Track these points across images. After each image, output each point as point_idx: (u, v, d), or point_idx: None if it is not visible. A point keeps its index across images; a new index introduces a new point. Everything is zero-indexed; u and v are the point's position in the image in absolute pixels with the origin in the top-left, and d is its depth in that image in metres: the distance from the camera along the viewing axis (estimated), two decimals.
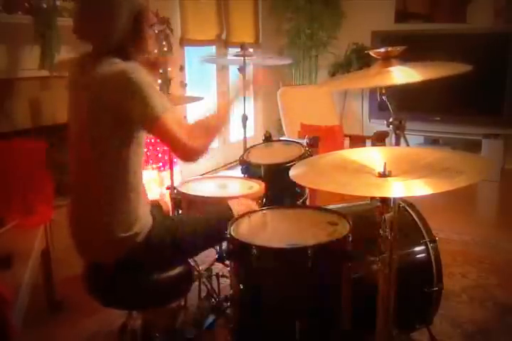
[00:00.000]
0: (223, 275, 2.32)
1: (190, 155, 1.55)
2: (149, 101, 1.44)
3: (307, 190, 2.48)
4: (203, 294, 2.33)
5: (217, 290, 2.26)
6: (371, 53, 1.62)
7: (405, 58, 1.61)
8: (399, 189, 1.24)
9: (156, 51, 1.88)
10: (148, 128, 1.51)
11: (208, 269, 2.26)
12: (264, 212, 1.84)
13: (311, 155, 2.35)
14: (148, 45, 1.65)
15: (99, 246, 1.58)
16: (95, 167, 1.54)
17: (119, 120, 1.48)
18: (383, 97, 1.59)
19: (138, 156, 1.57)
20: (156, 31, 3.53)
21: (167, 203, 2.16)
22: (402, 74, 1.53)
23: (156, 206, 1.92)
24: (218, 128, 1.69)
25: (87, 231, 1.61)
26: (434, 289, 1.87)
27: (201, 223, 1.75)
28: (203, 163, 4.71)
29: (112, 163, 1.53)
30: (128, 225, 1.55)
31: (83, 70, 1.56)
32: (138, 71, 1.47)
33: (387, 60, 1.58)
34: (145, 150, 1.62)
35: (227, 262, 1.96)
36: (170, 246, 1.64)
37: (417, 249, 1.91)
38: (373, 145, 2.71)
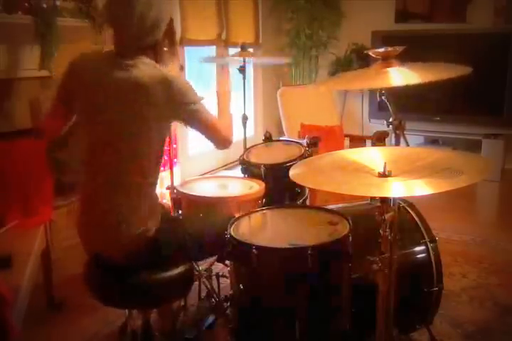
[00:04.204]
0: (223, 275, 2.32)
1: (227, 144, 1.77)
2: (190, 100, 1.60)
3: (307, 190, 2.48)
4: (203, 294, 2.33)
5: (217, 290, 2.26)
6: (370, 53, 1.62)
7: (405, 58, 1.61)
8: (399, 189, 1.24)
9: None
10: (190, 123, 1.67)
11: (208, 269, 2.26)
12: (264, 212, 1.84)
13: (311, 155, 2.35)
14: (176, 49, 1.79)
15: (109, 242, 1.60)
16: (124, 161, 1.58)
17: (162, 120, 1.59)
18: (383, 97, 1.59)
19: (163, 151, 1.66)
20: None
21: (167, 204, 2.17)
22: (401, 76, 1.53)
23: (163, 207, 1.93)
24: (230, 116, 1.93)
25: (101, 230, 1.61)
26: (434, 289, 1.87)
27: (204, 226, 1.78)
28: (203, 163, 4.71)
29: (144, 157, 1.59)
30: (143, 220, 1.58)
31: (108, 68, 1.58)
32: (177, 78, 1.60)
33: (386, 60, 1.58)
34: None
35: (227, 262, 1.96)
36: (173, 247, 1.66)
37: (417, 248, 1.91)
38: (373, 145, 2.70)
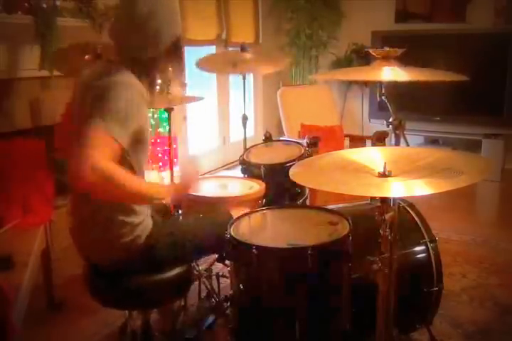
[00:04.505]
0: (223, 275, 2.31)
1: (78, 178, 1.28)
2: (106, 112, 1.37)
3: (307, 190, 2.48)
4: (203, 294, 2.33)
5: (217, 290, 2.25)
6: (371, 51, 1.63)
7: (405, 58, 1.61)
8: (399, 189, 1.24)
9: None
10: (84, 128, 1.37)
11: (208, 269, 2.26)
12: (264, 212, 1.84)
13: (311, 155, 2.35)
14: (182, 67, 1.68)
15: (100, 249, 1.58)
16: None
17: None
18: (383, 97, 1.59)
19: (140, 156, 1.57)
20: None
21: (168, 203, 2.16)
22: (393, 73, 1.53)
23: (160, 208, 1.93)
24: (131, 192, 1.40)
25: (88, 234, 1.60)
26: (434, 289, 1.87)
27: (203, 228, 1.76)
28: (203, 163, 4.72)
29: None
30: (130, 228, 1.54)
31: (93, 78, 1.54)
32: (124, 87, 1.44)
33: (386, 60, 1.59)
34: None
35: (227, 262, 1.96)
36: (170, 250, 1.64)
37: (417, 248, 1.91)
38: (373, 145, 2.70)
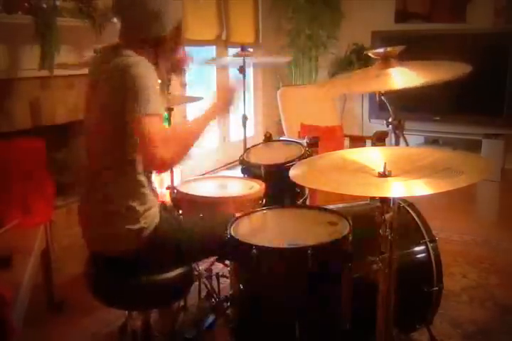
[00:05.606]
0: (223, 275, 2.32)
1: (158, 165, 1.49)
2: (140, 98, 1.44)
3: (307, 190, 2.48)
4: (203, 294, 2.33)
5: (217, 290, 2.26)
6: (370, 54, 1.62)
7: (405, 58, 1.61)
8: (399, 189, 1.24)
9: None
10: (131, 124, 1.48)
11: (208, 269, 2.26)
12: (264, 212, 1.84)
13: (311, 155, 2.35)
14: (178, 49, 1.72)
15: (107, 237, 1.60)
16: (107, 157, 1.57)
17: (118, 114, 1.49)
18: (382, 98, 1.59)
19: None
20: None
21: (169, 203, 2.17)
22: (403, 78, 1.53)
23: (165, 207, 1.93)
24: (194, 139, 1.63)
25: (96, 222, 1.62)
26: (434, 289, 1.87)
27: (205, 230, 1.76)
28: (203, 163, 4.71)
29: (122, 154, 1.55)
30: (136, 218, 1.56)
31: (102, 61, 1.58)
32: (141, 67, 1.49)
33: (386, 60, 1.58)
34: None
35: (227, 262, 1.96)
36: (173, 247, 1.64)
37: (417, 248, 1.91)
38: (373, 145, 2.70)
